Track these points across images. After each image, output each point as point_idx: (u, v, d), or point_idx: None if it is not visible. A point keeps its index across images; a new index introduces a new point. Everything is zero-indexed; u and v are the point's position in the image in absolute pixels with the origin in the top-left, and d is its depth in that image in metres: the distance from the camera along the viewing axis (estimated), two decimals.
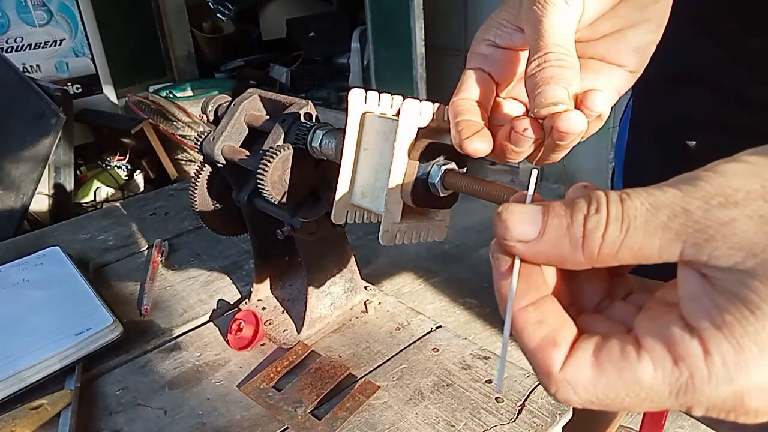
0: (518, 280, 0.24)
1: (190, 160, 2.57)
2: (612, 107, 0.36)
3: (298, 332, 0.60)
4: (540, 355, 0.23)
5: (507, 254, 0.25)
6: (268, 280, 0.67)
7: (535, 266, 0.25)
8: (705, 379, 0.20)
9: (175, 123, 2.48)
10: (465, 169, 0.43)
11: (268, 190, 0.51)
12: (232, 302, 0.69)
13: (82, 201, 2.43)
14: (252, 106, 0.58)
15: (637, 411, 0.22)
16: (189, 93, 3.37)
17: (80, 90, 2.82)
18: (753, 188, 0.20)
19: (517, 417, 0.49)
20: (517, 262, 0.24)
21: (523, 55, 0.36)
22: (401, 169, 0.41)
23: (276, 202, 0.52)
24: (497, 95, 0.37)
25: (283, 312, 0.64)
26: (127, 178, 2.57)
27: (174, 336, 0.63)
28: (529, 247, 0.24)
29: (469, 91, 0.35)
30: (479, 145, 0.33)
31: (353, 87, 0.56)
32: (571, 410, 0.50)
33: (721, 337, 0.20)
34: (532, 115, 0.31)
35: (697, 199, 0.21)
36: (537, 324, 0.24)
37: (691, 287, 0.21)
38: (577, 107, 0.30)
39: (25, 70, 2.64)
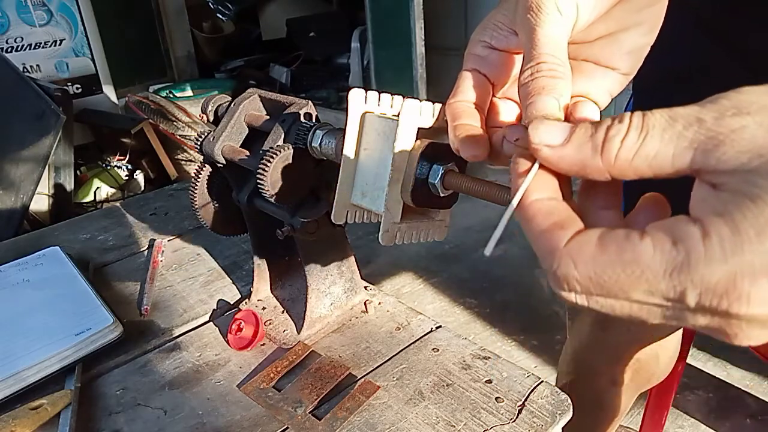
0: (535, 181, 0.26)
1: (190, 160, 2.57)
2: (611, 104, 0.36)
3: (298, 332, 0.60)
4: (547, 236, 0.25)
5: (529, 159, 0.27)
6: (268, 280, 0.67)
7: (553, 178, 0.27)
8: (701, 257, 0.21)
9: (175, 123, 2.48)
10: (465, 169, 0.43)
11: (268, 190, 0.51)
12: (232, 302, 0.69)
13: (82, 201, 2.43)
14: (252, 106, 0.58)
15: (630, 294, 0.22)
16: (189, 93, 3.37)
17: (80, 90, 2.82)
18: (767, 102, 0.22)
19: (517, 417, 0.49)
20: (537, 165, 0.27)
21: (518, 58, 0.36)
22: (401, 170, 0.41)
23: (276, 202, 0.52)
24: (493, 96, 0.37)
25: (283, 312, 0.64)
26: (127, 178, 2.57)
27: (174, 336, 0.63)
28: (554, 152, 0.26)
29: (466, 93, 0.36)
30: (476, 151, 0.34)
31: (353, 87, 0.56)
32: (571, 410, 0.50)
33: (720, 222, 0.21)
34: (524, 124, 0.31)
35: (712, 111, 0.22)
36: (547, 213, 0.25)
37: (700, 194, 0.23)
38: (567, 117, 0.30)
39: (25, 70, 2.64)
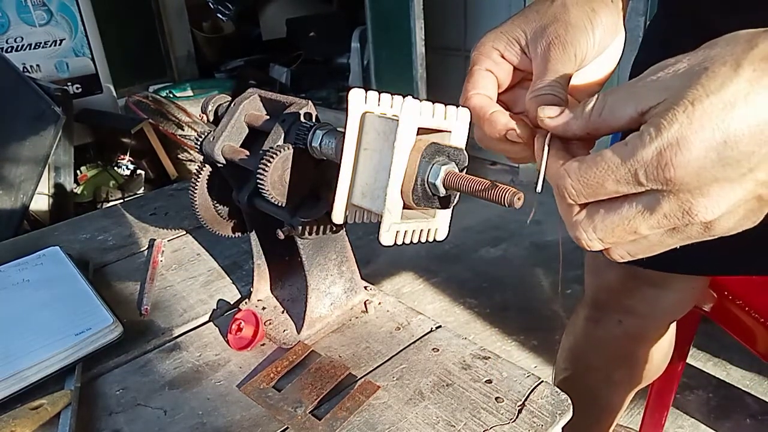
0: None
1: (190, 160, 2.57)
2: None
3: (298, 332, 0.60)
4: (552, 168, 0.36)
5: (543, 135, 0.38)
6: (268, 280, 0.67)
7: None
8: (638, 144, 0.31)
9: (175, 123, 2.48)
10: (465, 169, 0.43)
11: (268, 190, 0.51)
12: (232, 302, 0.69)
13: (82, 201, 2.43)
14: (252, 106, 0.58)
15: (606, 185, 0.33)
16: (189, 93, 3.37)
17: (80, 90, 2.81)
18: (676, 61, 0.32)
19: (517, 417, 0.49)
20: (549, 135, 0.38)
21: (518, 73, 0.45)
22: (401, 169, 0.41)
23: (276, 202, 0.52)
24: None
25: (283, 312, 0.64)
26: (127, 177, 2.57)
27: (174, 336, 0.63)
28: (552, 120, 0.37)
29: (486, 88, 0.44)
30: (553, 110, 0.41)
31: (353, 87, 0.55)
32: (571, 410, 0.50)
33: (647, 125, 0.31)
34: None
35: (641, 76, 0.33)
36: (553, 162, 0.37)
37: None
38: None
39: (25, 70, 2.64)
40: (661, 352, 0.95)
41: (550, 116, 0.37)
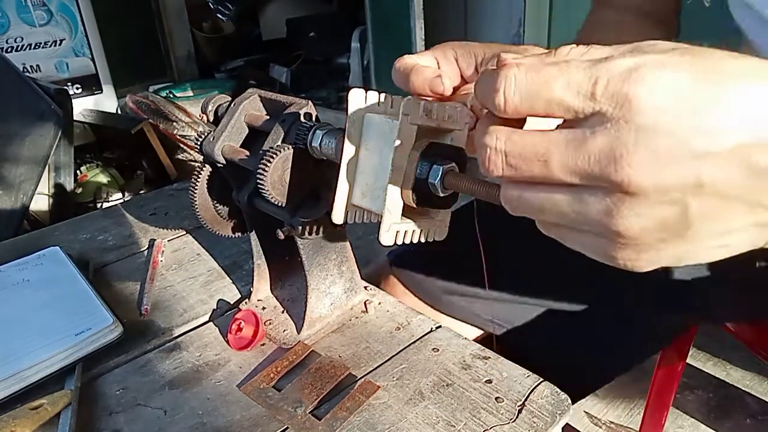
0: None
1: (191, 160, 2.57)
2: None
3: (298, 332, 0.60)
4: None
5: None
6: (268, 280, 0.67)
7: None
8: (615, 56, 0.27)
9: (175, 123, 2.48)
10: (465, 169, 0.43)
11: (268, 190, 0.51)
12: (232, 302, 0.69)
13: (82, 201, 2.43)
14: (252, 106, 0.58)
15: (552, 87, 0.28)
16: (189, 93, 3.37)
17: (80, 90, 2.82)
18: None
19: (517, 417, 0.49)
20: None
21: (463, 83, 0.47)
22: (401, 169, 0.41)
23: (276, 202, 0.52)
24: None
25: (283, 312, 0.64)
26: (127, 178, 2.57)
27: (174, 336, 0.63)
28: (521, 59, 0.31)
29: (422, 59, 0.46)
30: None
31: (353, 87, 0.56)
32: (571, 410, 0.50)
33: (625, 47, 0.28)
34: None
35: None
36: None
37: None
38: None
39: (25, 70, 2.64)
40: None
41: (515, 57, 0.31)
